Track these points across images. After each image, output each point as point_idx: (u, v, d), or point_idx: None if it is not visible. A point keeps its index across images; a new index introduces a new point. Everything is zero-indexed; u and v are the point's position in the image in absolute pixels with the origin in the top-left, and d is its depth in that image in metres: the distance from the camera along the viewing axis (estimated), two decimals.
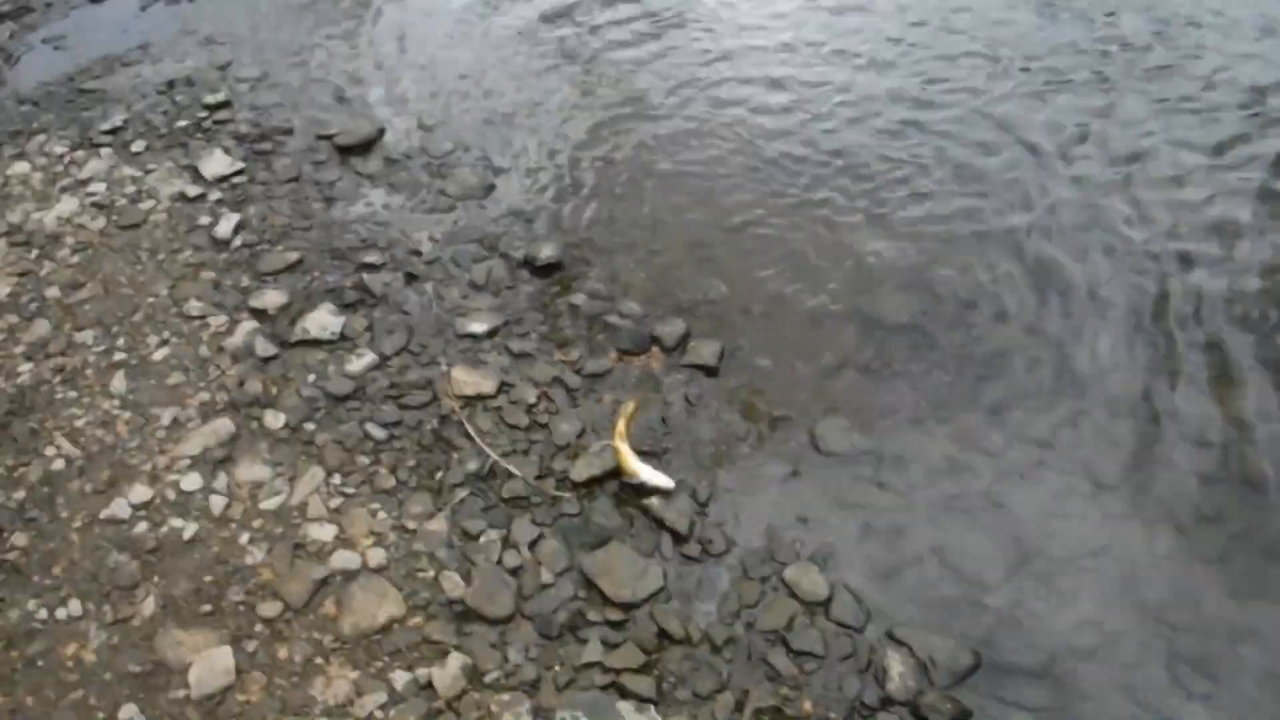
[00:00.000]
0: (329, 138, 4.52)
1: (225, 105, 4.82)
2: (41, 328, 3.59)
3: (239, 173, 4.31)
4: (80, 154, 4.55)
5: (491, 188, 4.17)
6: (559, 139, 4.40)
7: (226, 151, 4.45)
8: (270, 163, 4.39)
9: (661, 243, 3.78)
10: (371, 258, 3.80)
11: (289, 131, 4.60)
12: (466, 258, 3.79)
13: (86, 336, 3.54)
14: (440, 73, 4.98)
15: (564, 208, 3.99)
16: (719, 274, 3.60)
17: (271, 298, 3.59)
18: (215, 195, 4.18)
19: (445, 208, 4.08)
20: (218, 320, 3.56)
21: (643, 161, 4.18)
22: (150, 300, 3.68)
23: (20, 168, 4.50)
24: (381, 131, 4.49)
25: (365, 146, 4.44)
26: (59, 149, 4.59)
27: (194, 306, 3.62)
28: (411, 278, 3.71)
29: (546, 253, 3.71)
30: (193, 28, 5.55)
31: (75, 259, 3.91)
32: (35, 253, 3.96)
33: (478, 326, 3.42)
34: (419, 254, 3.81)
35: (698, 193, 3.99)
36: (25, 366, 3.44)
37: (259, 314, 3.55)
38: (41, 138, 4.72)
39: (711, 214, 3.87)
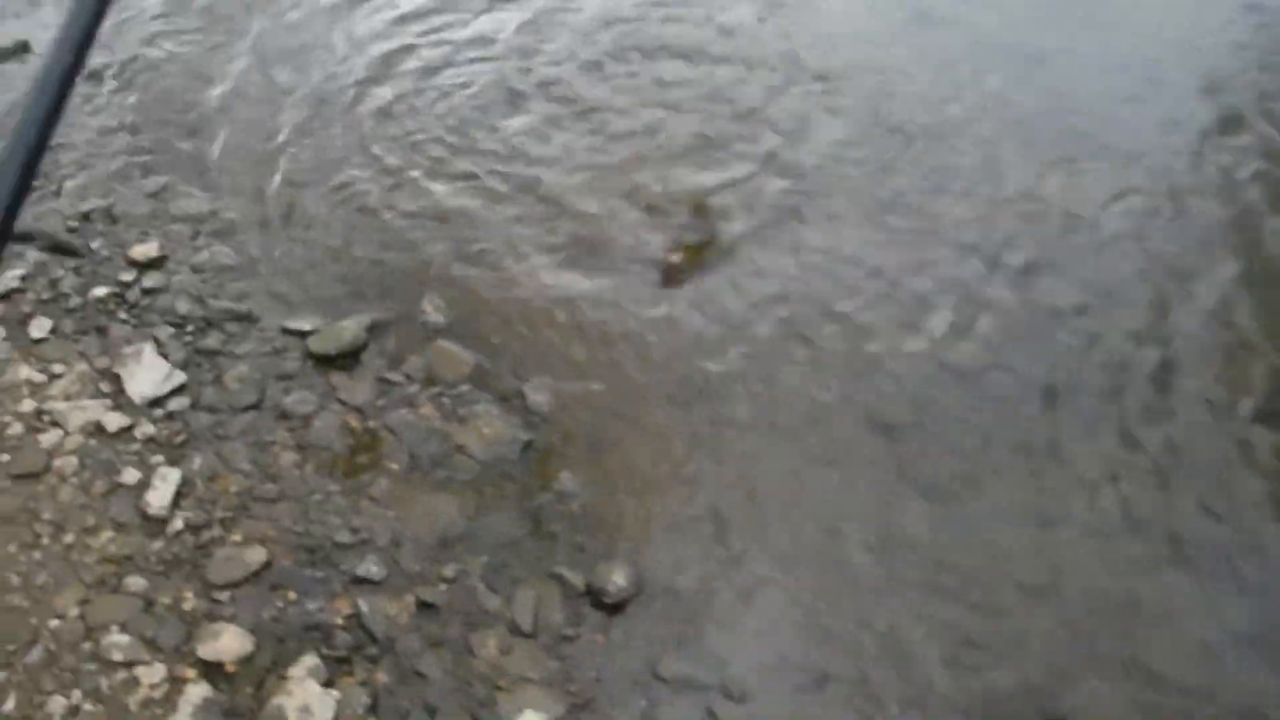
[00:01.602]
0: (299, 335, 3.84)
1: (159, 263, 4.13)
2: None
3: (178, 390, 3.63)
4: None
5: (528, 444, 3.51)
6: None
7: (160, 348, 3.78)
8: (220, 371, 3.74)
9: None
10: (368, 567, 3.16)
11: (246, 318, 3.94)
12: (501, 578, 3.16)
13: None
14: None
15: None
16: None
17: (228, 643, 2.96)
18: (145, 430, 3.52)
19: (466, 475, 3.41)
20: (150, 675, 2.92)
21: None
22: (54, 624, 3.03)
23: None
24: (369, 335, 3.83)
25: (350, 356, 3.77)
26: None
27: (116, 643, 2.98)
28: (426, 606, 3.06)
29: (619, 581, 3.08)
30: (115, 120, 4.82)
31: None
32: None
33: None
34: (437, 566, 3.15)
35: None
36: None
37: (211, 670, 2.89)
38: None
39: None
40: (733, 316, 4.03)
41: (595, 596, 3.11)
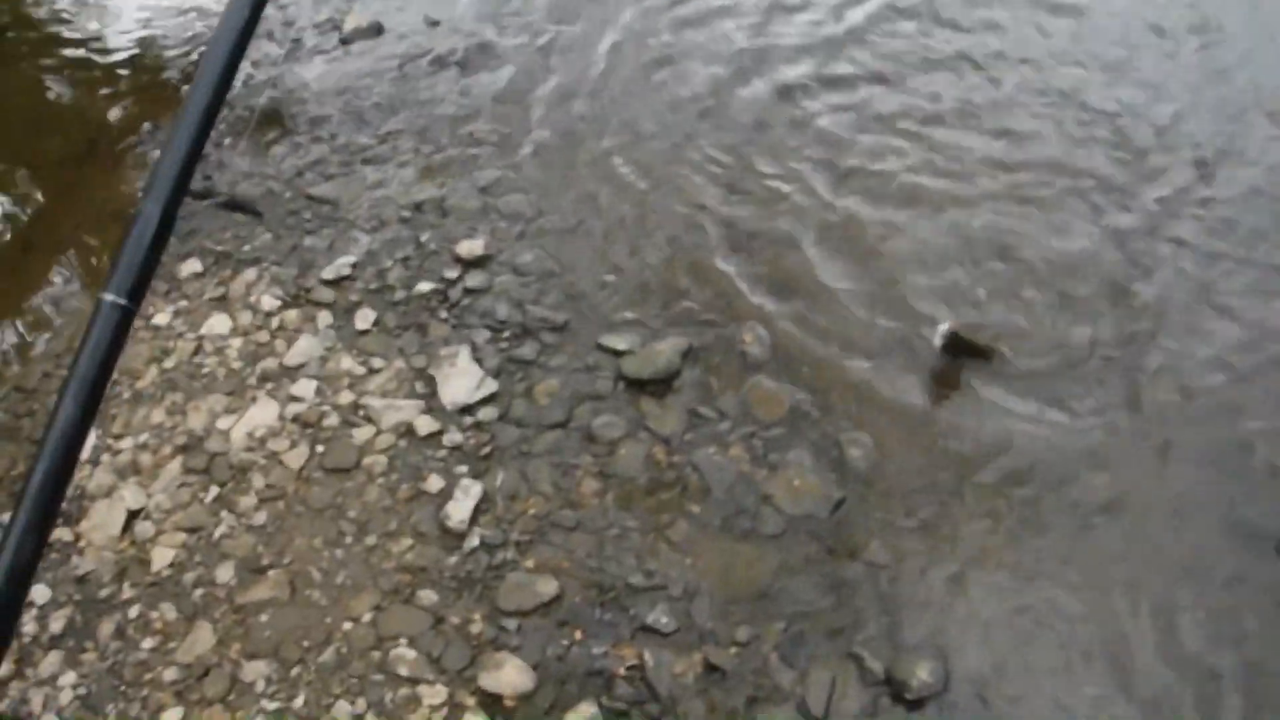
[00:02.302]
0: (613, 353, 3.88)
1: (484, 263, 4.30)
2: (202, 640, 3.18)
3: (490, 399, 3.76)
4: (292, 315, 4.17)
5: (840, 503, 3.37)
6: None
7: (475, 352, 3.92)
8: (531, 384, 3.84)
9: None
10: (659, 616, 3.15)
11: (561, 328, 4.03)
12: (797, 651, 3.08)
13: (255, 673, 3.10)
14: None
15: None
16: None
17: (510, 676, 3.03)
18: (453, 437, 3.66)
19: (771, 529, 3.43)
20: (432, 696, 3.04)
21: None
22: (347, 626, 3.20)
23: (218, 324, 4.18)
24: (683, 361, 3.92)
25: (663, 382, 3.78)
26: (268, 300, 4.23)
27: (403, 658, 3.11)
28: (714, 670, 3.01)
29: (923, 676, 2.91)
30: (463, 109, 5.08)
31: (261, 515, 3.50)
32: (214, 492, 3.57)
33: None
34: (730, 626, 3.10)
35: None
36: (173, 715, 3.02)
37: (489, 701, 2.97)
38: (251, 274, 4.40)
39: None
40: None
41: (896, 688, 2.97)
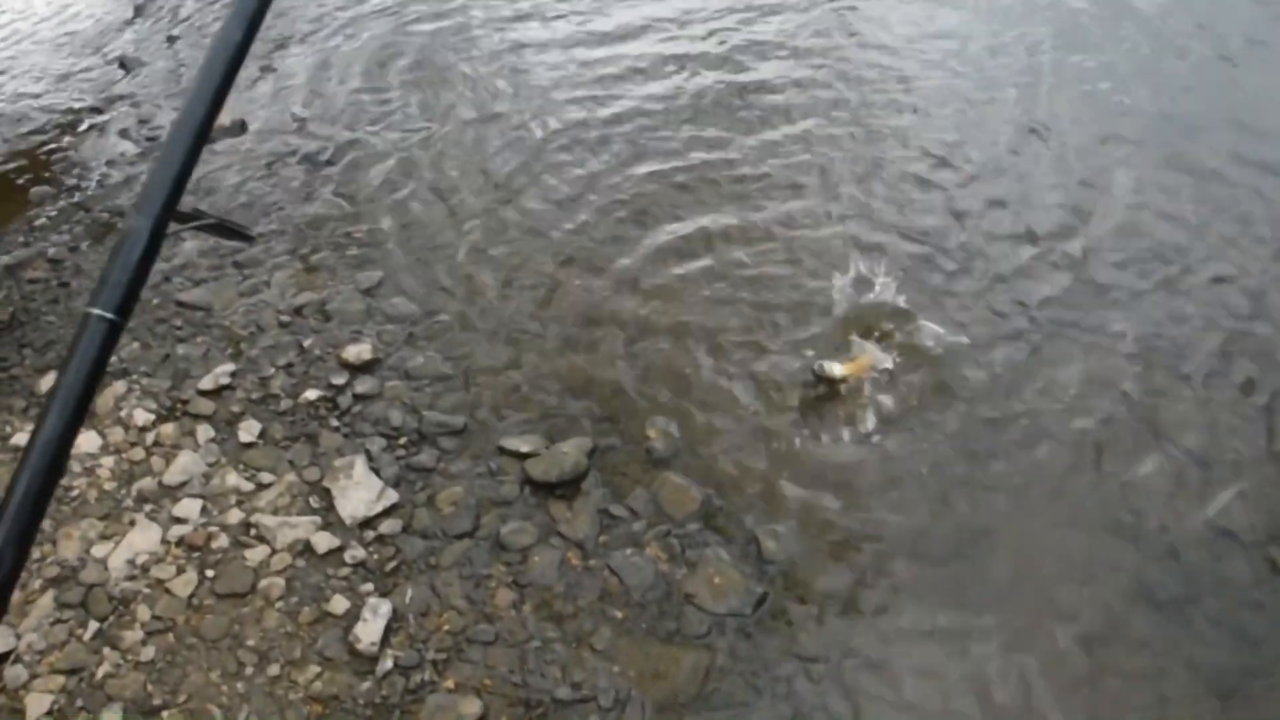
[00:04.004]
0: (517, 456, 3.78)
1: (372, 367, 4.16)
2: None
3: (391, 511, 3.60)
4: (169, 430, 3.94)
5: (763, 598, 3.33)
6: None
7: (371, 462, 3.76)
8: (433, 493, 3.70)
9: None
10: None
11: (460, 432, 3.90)
12: None
13: None
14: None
15: None
16: None
17: None
18: (355, 554, 3.49)
19: (697, 630, 3.37)
20: None
21: None
22: None
23: (86, 442, 3.91)
24: (589, 461, 3.82)
25: (571, 484, 3.69)
26: (141, 414, 3.98)
27: None
28: None
29: None
30: (337, 208, 4.95)
31: (150, 650, 3.26)
32: (94, 628, 3.30)
33: None
34: None
35: None
36: None
37: None
38: (119, 386, 4.15)
39: None
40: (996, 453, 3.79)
41: None
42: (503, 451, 3.82)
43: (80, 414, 1.33)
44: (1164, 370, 4.14)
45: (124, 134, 5.67)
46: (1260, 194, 4.98)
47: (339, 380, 4.09)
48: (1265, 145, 5.24)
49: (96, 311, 1.35)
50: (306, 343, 4.26)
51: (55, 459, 1.32)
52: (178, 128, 1.47)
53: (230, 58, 1.52)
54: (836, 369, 3.88)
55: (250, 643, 3.26)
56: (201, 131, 1.48)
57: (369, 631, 3.25)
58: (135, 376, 4.13)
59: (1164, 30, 6.32)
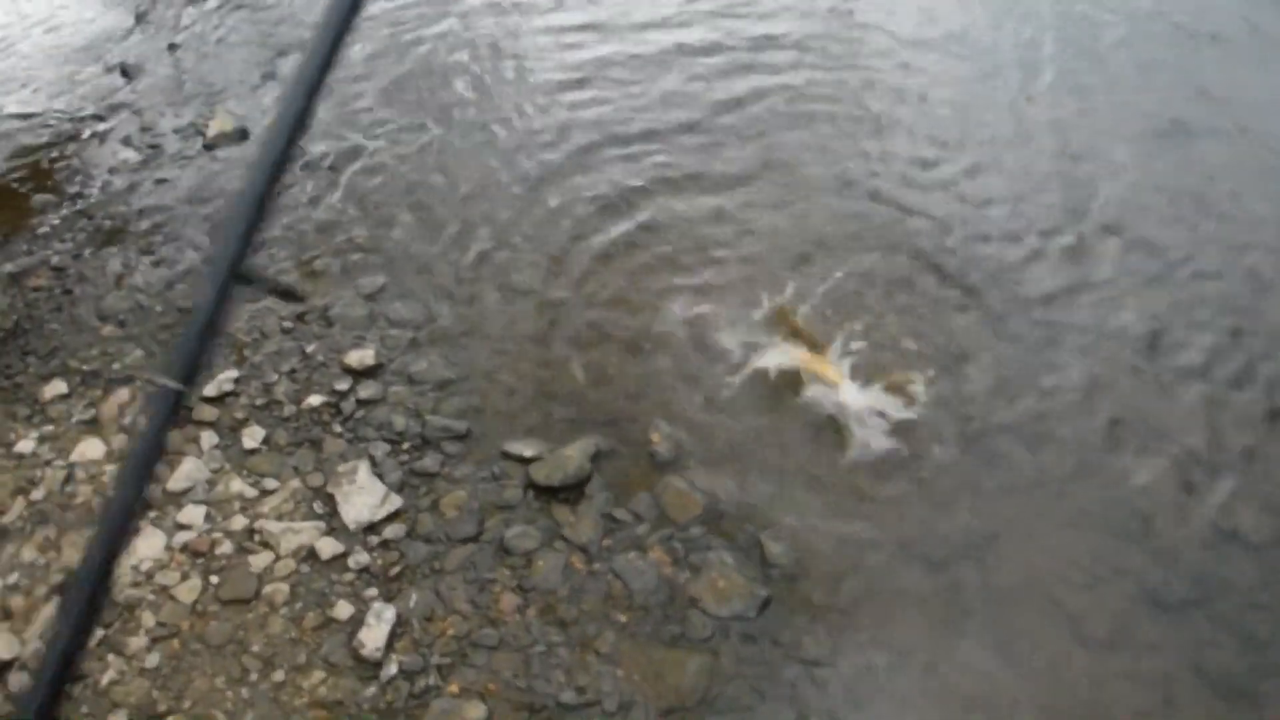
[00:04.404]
0: (521, 461, 3.78)
1: (375, 372, 4.16)
2: None
3: (395, 516, 3.60)
4: (173, 436, 3.90)
5: (767, 601, 3.32)
6: None
7: (375, 467, 3.76)
8: (437, 497, 3.70)
9: None
10: None
11: (463, 437, 3.90)
12: None
13: None
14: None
15: None
16: None
17: None
18: (359, 559, 3.49)
19: (701, 633, 3.39)
20: None
21: None
22: None
23: (90, 449, 3.91)
24: (593, 465, 3.81)
25: (574, 488, 3.68)
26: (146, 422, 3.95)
27: None
28: None
29: None
30: (339, 214, 4.96)
31: (154, 656, 3.26)
32: (98, 635, 3.30)
33: None
34: None
35: None
36: None
37: None
38: (123, 393, 4.14)
39: None
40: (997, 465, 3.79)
41: None
42: (506, 456, 3.82)
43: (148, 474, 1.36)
44: (1167, 369, 4.12)
45: (126, 142, 5.66)
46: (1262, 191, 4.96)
47: (342, 386, 4.08)
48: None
49: (173, 385, 1.37)
50: (309, 348, 4.25)
51: (124, 523, 1.35)
52: (242, 195, 1.47)
53: (293, 121, 1.51)
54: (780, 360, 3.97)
55: (255, 648, 3.26)
56: (265, 197, 1.48)
57: (373, 637, 3.25)
58: (138, 383, 4.11)
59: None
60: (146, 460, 1.34)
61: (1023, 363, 4.21)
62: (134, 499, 1.34)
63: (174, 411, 1.37)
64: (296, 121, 1.50)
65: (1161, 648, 3.30)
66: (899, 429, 3.89)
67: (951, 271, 4.63)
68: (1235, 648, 3.30)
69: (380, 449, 3.85)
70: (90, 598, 1.32)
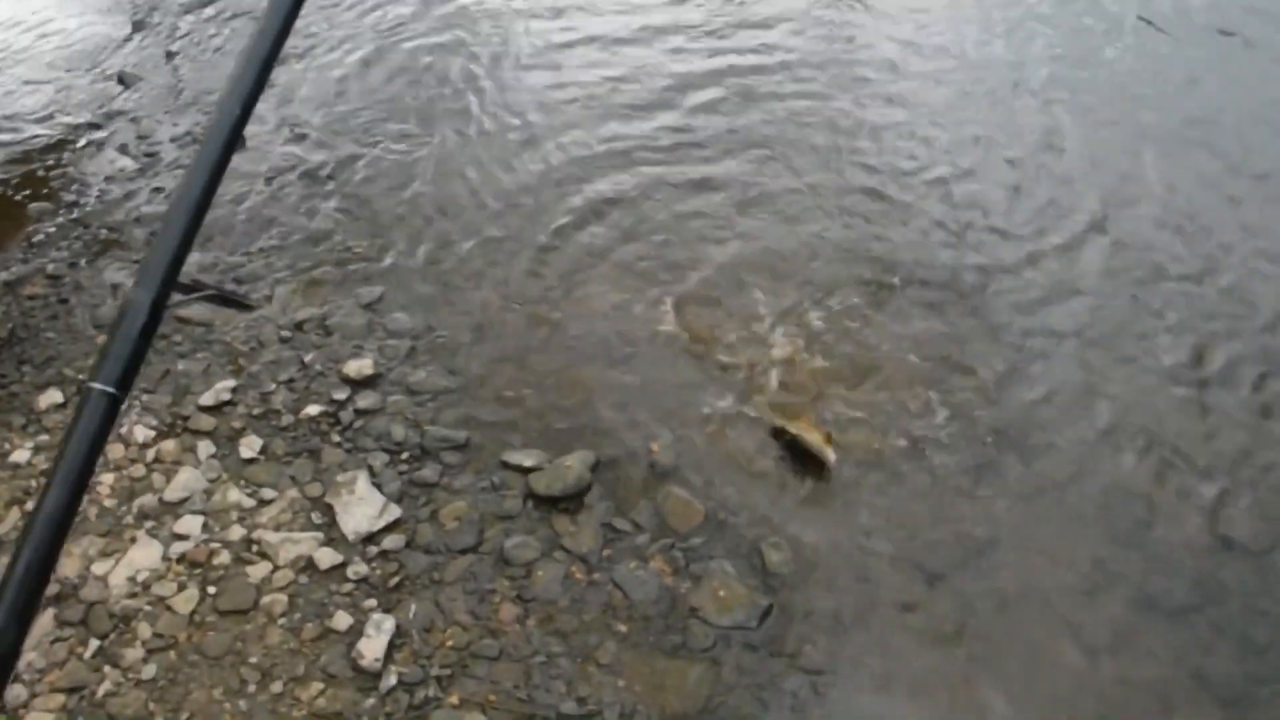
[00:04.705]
0: (520, 471, 3.77)
1: (374, 382, 4.14)
2: None
3: (394, 526, 3.58)
4: (170, 446, 3.92)
5: (768, 610, 3.31)
6: None
7: (373, 477, 3.74)
8: (436, 508, 3.68)
9: None
10: None
11: (462, 447, 3.89)
12: None
13: None
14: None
15: None
16: None
17: None
18: (358, 569, 3.47)
19: (702, 643, 3.37)
20: None
21: None
22: None
23: None
24: (593, 475, 3.81)
25: (574, 498, 3.67)
26: (141, 431, 3.96)
27: None
28: None
29: None
30: (338, 223, 4.95)
31: (151, 668, 3.24)
32: (94, 646, 3.27)
33: None
34: None
35: None
36: None
37: None
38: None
39: None
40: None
41: None
42: (506, 466, 3.81)
43: (82, 488, 1.32)
44: (1165, 376, 4.13)
45: (123, 150, 5.65)
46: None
47: (341, 395, 4.07)
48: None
49: (99, 386, 1.34)
50: (308, 358, 4.24)
51: (57, 533, 1.31)
52: (176, 203, 1.47)
53: (229, 131, 1.51)
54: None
55: (253, 660, 3.24)
56: (201, 205, 1.47)
57: (372, 648, 3.23)
58: (135, 393, 4.10)
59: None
60: (81, 469, 1.32)
61: (1017, 368, 4.20)
62: (67, 509, 1.31)
63: (109, 420, 1.34)
64: (234, 126, 1.50)
65: (1160, 653, 3.28)
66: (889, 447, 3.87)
67: (946, 275, 4.61)
68: (1234, 653, 3.29)
69: (379, 459, 3.83)
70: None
